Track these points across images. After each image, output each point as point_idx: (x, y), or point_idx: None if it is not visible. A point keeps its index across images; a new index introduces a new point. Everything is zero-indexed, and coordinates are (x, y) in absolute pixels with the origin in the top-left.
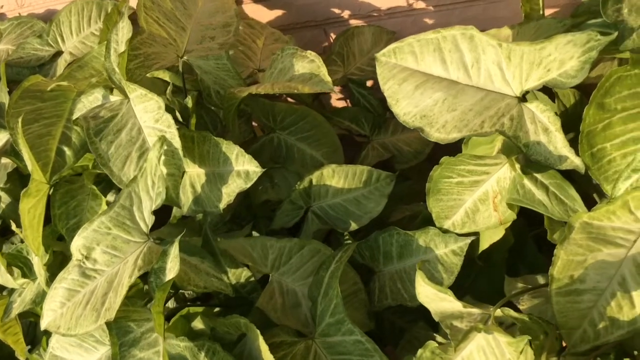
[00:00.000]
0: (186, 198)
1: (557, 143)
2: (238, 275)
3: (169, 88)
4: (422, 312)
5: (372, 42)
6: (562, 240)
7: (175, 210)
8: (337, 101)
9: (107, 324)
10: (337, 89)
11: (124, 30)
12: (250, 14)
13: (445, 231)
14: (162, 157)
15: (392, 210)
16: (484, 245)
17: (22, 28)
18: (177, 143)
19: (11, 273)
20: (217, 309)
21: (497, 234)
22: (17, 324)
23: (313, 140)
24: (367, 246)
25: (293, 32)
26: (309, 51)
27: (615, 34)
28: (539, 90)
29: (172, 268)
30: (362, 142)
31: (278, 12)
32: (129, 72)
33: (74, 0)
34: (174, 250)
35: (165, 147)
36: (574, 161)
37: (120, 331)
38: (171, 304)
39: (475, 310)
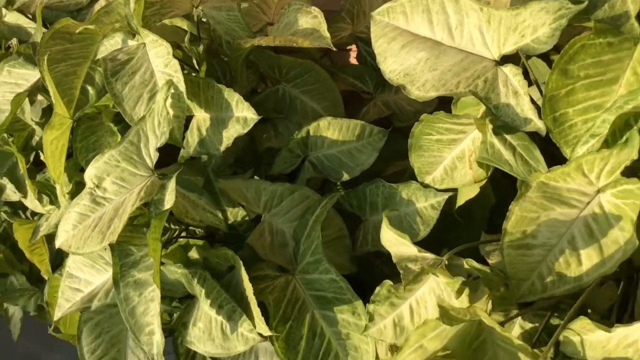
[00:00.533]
0: (192, 140)
1: (524, 106)
2: (235, 214)
3: (187, 36)
4: None
5: (384, 0)
6: (518, 198)
7: (182, 151)
8: (354, 59)
9: (111, 245)
10: (353, 46)
11: None
12: None
13: (426, 186)
14: (169, 100)
15: (388, 165)
16: (461, 201)
17: None
18: (182, 87)
19: (40, 200)
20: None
21: (473, 191)
22: (43, 246)
23: (316, 94)
24: (355, 196)
25: None
26: (313, 7)
27: (586, 3)
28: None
29: (169, 200)
30: (368, 99)
31: None
32: (144, 19)
33: None
34: (172, 185)
35: (172, 91)
36: (537, 124)
37: (122, 253)
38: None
39: (429, 255)
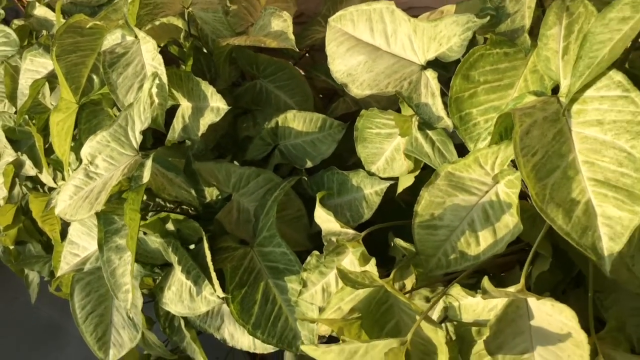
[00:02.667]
0: (178, 126)
1: (438, 105)
2: (211, 193)
3: (182, 33)
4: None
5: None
6: (428, 184)
7: (169, 135)
8: None
9: (97, 214)
10: None
11: None
12: None
13: (372, 174)
14: (155, 89)
15: (353, 155)
16: (400, 188)
17: None
18: (164, 79)
19: (55, 176)
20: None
21: (409, 180)
22: (54, 217)
23: (288, 89)
24: (314, 181)
25: None
26: (284, 12)
27: (488, 18)
28: None
29: (146, 176)
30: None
31: None
32: (139, 18)
33: None
34: (149, 163)
35: (157, 82)
36: (447, 122)
37: (106, 221)
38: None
39: (350, 231)
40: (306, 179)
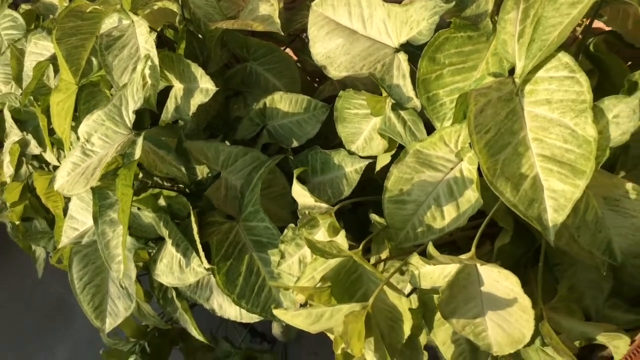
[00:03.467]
0: (171, 106)
1: (408, 87)
2: (202, 171)
3: (177, 17)
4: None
5: None
6: (398, 161)
7: (163, 115)
8: None
9: (92, 189)
10: None
11: None
12: None
13: (352, 153)
14: (147, 70)
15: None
16: (378, 167)
17: None
18: (156, 61)
19: (58, 155)
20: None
21: (386, 159)
22: (58, 194)
23: (277, 72)
24: (299, 160)
25: None
26: None
27: (453, 3)
28: None
29: (137, 153)
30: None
31: None
32: (133, 2)
33: None
34: (140, 140)
35: (149, 63)
36: (415, 102)
37: (101, 196)
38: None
39: (323, 205)
40: (292, 157)
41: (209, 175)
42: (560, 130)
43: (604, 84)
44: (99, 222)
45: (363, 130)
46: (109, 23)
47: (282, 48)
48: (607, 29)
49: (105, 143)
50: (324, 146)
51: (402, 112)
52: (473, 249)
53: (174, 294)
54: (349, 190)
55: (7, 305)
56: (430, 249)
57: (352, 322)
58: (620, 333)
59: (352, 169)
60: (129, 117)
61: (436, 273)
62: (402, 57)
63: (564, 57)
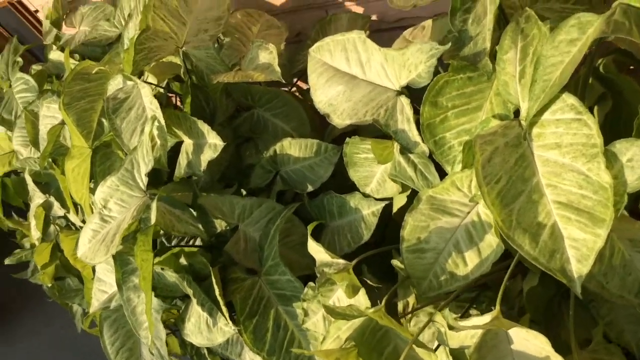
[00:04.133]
0: (183, 162)
1: (413, 131)
2: (220, 223)
3: (182, 69)
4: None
5: (347, 27)
6: (411, 209)
7: (176, 171)
8: None
9: (113, 256)
10: None
11: (130, 31)
12: None
13: (367, 195)
14: (156, 132)
15: None
16: (395, 208)
17: (96, 12)
18: (162, 121)
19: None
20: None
21: (402, 200)
22: None
23: (284, 116)
24: (316, 205)
25: (299, 13)
26: (270, 44)
27: (449, 44)
28: None
29: (153, 218)
30: None
31: None
32: (135, 64)
33: None
34: (154, 205)
35: (157, 124)
36: (423, 147)
37: (122, 262)
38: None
39: (340, 261)
40: (308, 203)
41: (227, 228)
42: (574, 175)
43: (619, 107)
44: (123, 289)
45: (375, 173)
46: (114, 85)
47: (289, 88)
48: None
49: (122, 208)
50: (341, 184)
51: (411, 156)
52: (497, 307)
53: (206, 351)
54: (368, 234)
55: (49, 353)
56: (450, 320)
57: None
58: None
59: (369, 212)
60: (142, 180)
61: (463, 332)
62: (405, 100)
63: (569, 99)
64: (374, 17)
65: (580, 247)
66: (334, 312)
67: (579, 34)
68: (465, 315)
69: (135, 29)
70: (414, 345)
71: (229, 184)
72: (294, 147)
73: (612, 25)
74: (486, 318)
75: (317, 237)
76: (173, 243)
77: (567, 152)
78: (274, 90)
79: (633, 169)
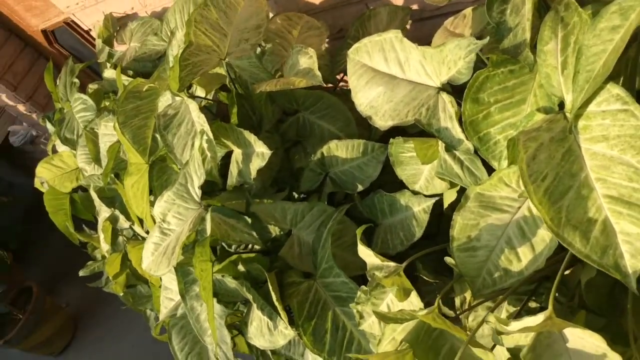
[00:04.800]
0: (234, 171)
1: (457, 129)
2: (274, 228)
3: (227, 79)
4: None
5: (387, 20)
6: (459, 208)
7: (229, 180)
8: None
9: (175, 268)
10: None
11: (173, 48)
12: None
13: (416, 193)
14: (205, 144)
15: None
16: (446, 204)
17: (144, 27)
18: (210, 134)
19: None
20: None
21: (452, 195)
22: None
23: (329, 117)
24: (366, 205)
25: (340, 9)
26: (309, 48)
27: (487, 39)
28: None
29: (208, 229)
30: None
31: None
32: (181, 80)
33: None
34: (208, 216)
35: (205, 137)
36: (467, 144)
37: (184, 273)
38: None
39: (391, 264)
40: (359, 203)
41: (281, 232)
42: (623, 168)
43: None
44: (186, 299)
45: (422, 170)
46: (164, 101)
47: (334, 86)
48: None
49: (180, 220)
50: (392, 182)
51: (457, 153)
52: (550, 307)
53: (270, 352)
54: (420, 231)
55: (133, 356)
56: (498, 326)
57: None
58: None
59: (420, 209)
60: (196, 193)
61: (516, 332)
62: (447, 97)
63: (614, 89)
64: (414, 7)
65: (633, 242)
66: (385, 318)
67: (621, 20)
68: (524, 308)
69: (179, 45)
70: (477, 344)
71: (282, 188)
72: (340, 149)
73: None
74: (539, 318)
75: (369, 236)
76: (233, 248)
77: (615, 144)
78: (317, 93)
79: None
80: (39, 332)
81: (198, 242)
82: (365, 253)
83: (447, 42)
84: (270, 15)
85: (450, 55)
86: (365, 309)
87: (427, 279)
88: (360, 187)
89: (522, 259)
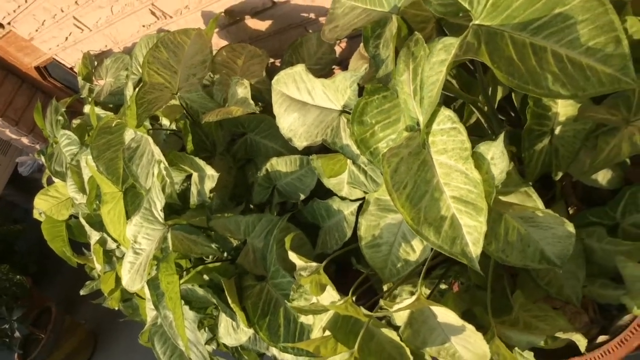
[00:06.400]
0: (194, 191)
1: (354, 146)
2: (235, 240)
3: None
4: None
5: (317, 45)
6: (363, 212)
7: (191, 200)
8: None
9: (147, 282)
10: None
11: (129, 88)
12: (251, 25)
13: (344, 198)
14: (164, 172)
15: None
16: None
17: (117, 63)
18: (166, 163)
19: None
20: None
21: None
22: None
23: (272, 136)
24: (308, 211)
25: (284, 33)
26: (245, 80)
27: (363, 70)
28: None
29: (170, 246)
30: None
31: (268, 22)
32: (138, 117)
33: (144, 36)
34: (169, 235)
35: (163, 165)
36: (363, 158)
37: (155, 286)
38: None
39: (313, 264)
40: (302, 210)
41: (240, 242)
42: (458, 175)
43: None
44: (159, 309)
45: (344, 179)
46: (128, 135)
47: None
48: None
49: (149, 240)
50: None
51: (361, 164)
52: (419, 289)
53: (240, 348)
54: (350, 231)
55: None
56: (383, 302)
57: None
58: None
59: (348, 212)
60: (160, 215)
61: (402, 313)
62: (345, 119)
63: (446, 111)
64: None
65: (472, 232)
66: (302, 310)
67: (445, 55)
68: (435, 289)
69: (134, 85)
70: (377, 328)
71: (240, 202)
72: (281, 164)
73: (465, 46)
74: (410, 300)
75: (315, 238)
76: (211, 258)
77: (451, 155)
78: (259, 116)
79: (496, 165)
80: (60, 349)
81: (162, 258)
82: (293, 257)
83: (336, 75)
84: (223, 44)
85: (341, 85)
86: (300, 304)
87: (363, 271)
88: (302, 196)
89: (416, 250)
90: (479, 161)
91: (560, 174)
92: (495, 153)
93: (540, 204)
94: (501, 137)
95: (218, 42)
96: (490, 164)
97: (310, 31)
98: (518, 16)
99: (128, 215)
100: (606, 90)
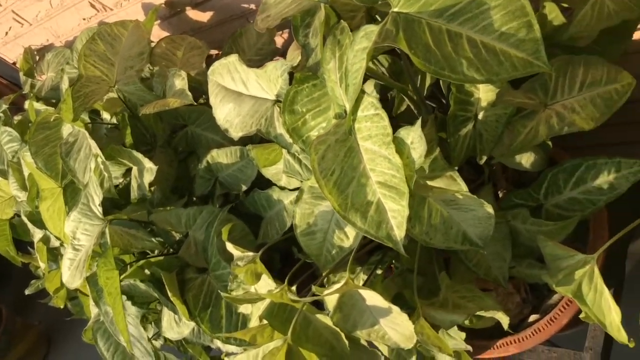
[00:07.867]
0: (135, 185)
1: (287, 135)
2: (177, 233)
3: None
4: None
5: (256, 36)
6: (297, 200)
7: (132, 194)
8: None
9: (86, 279)
10: None
11: (65, 82)
12: (193, 17)
13: (284, 188)
14: (102, 166)
15: None
16: None
17: (58, 57)
18: (101, 157)
19: None
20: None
21: None
22: None
23: (212, 129)
24: (249, 202)
25: (225, 25)
26: (182, 71)
27: (297, 60)
28: None
29: (108, 241)
30: None
31: (209, 13)
32: (75, 111)
33: (85, 29)
34: (107, 230)
35: (100, 159)
36: (296, 147)
37: (94, 283)
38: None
39: (250, 254)
40: (244, 201)
41: (182, 235)
42: (382, 160)
43: None
44: (100, 305)
45: (280, 169)
46: (66, 130)
47: None
48: None
49: (87, 236)
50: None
51: (296, 153)
52: (347, 275)
53: (184, 342)
54: (290, 220)
55: None
56: (314, 288)
57: (272, 357)
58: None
59: (288, 202)
60: (98, 210)
61: (331, 297)
62: (277, 108)
63: (369, 98)
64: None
65: (397, 216)
66: (236, 300)
67: (367, 42)
68: (372, 275)
69: (64, 86)
70: (311, 314)
71: (182, 194)
72: (221, 156)
73: (384, 34)
74: (338, 285)
75: (257, 229)
76: (156, 252)
77: (375, 141)
78: (199, 108)
79: (415, 149)
80: (13, 351)
81: (101, 254)
82: (230, 247)
83: (268, 64)
84: (165, 35)
85: (273, 75)
86: (238, 294)
87: (305, 260)
88: (244, 187)
89: (349, 237)
90: (400, 146)
91: (484, 158)
92: (414, 137)
93: (464, 187)
94: (418, 122)
95: (159, 33)
96: (410, 149)
97: (252, 22)
98: (435, 3)
99: (67, 210)
100: (519, 74)
